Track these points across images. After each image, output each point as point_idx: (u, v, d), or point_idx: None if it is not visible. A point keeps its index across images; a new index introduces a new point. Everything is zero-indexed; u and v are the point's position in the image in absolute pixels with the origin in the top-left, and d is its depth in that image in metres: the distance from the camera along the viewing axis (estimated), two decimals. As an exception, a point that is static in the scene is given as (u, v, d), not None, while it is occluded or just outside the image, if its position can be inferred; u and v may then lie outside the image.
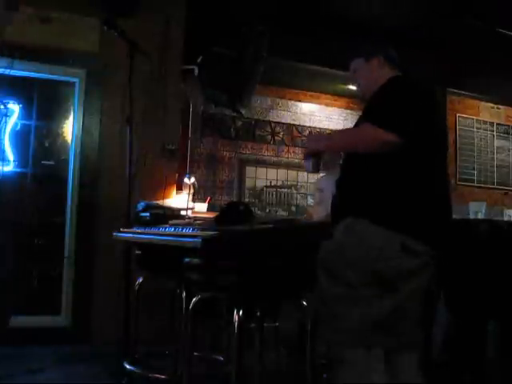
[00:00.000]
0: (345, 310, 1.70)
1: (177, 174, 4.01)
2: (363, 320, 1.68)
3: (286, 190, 5.99)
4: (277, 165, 5.93)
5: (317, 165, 2.01)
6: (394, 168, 1.77)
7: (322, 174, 4.57)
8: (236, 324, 1.70)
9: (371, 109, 1.89)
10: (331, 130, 6.23)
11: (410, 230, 1.71)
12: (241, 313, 1.70)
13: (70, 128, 3.78)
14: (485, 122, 6.66)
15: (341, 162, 2.15)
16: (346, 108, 6.26)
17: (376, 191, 1.78)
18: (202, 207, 3.96)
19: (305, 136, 6.10)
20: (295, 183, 6.03)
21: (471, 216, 3.90)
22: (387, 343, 1.68)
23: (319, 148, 2.01)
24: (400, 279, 1.70)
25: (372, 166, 1.80)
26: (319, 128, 6.22)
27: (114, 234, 2.56)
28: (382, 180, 1.78)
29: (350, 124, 5.83)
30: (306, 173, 5.96)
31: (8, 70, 3.37)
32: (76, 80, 3.78)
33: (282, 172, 5.95)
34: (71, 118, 3.78)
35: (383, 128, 1.71)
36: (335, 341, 1.74)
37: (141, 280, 2.67)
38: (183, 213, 3.23)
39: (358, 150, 1.85)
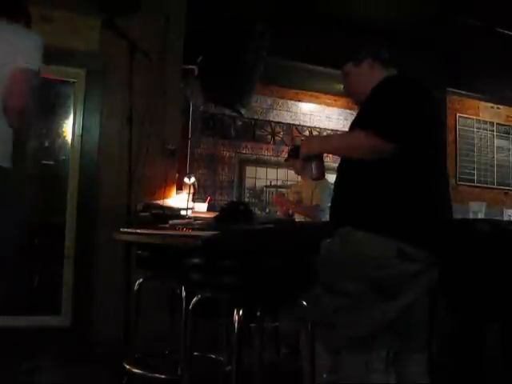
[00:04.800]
0: (347, 319, 1.71)
1: (177, 174, 4.01)
2: (366, 327, 1.68)
3: (286, 190, 5.99)
4: (277, 165, 5.94)
5: (320, 169, 1.95)
6: (389, 174, 1.75)
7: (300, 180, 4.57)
8: (236, 324, 1.70)
9: (363, 113, 1.88)
10: (331, 130, 6.24)
11: (406, 237, 1.70)
12: (241, 313, 1.70)
13: (70, 128, 3.78)
14: (485, 122, 6.66)
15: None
16: (346, 108, 6.27)
17: (370, 199, 1.76)
18: (201, 207, 3.95)
19: (305, 136, 6.10)
20: (295, 183, 6.03)
21: (471, 216, 3.89)
22: (392, 346, 1.68)
23: (313, 151, 1.94)
24: (399, 286, 1.70)
25: (366, 173, 1.78)
26: (319, 128, 6.22)
27: (114, 234, 2.55)
28: (376, 187, 1.76)
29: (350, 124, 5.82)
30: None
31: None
32: (76, 80, 3.78)
33: (281, 172, 5.95)
34: (71, 117, 3.78)
35: (373, 133, 1.68)
36: (339, 347, 1.75)
37: (141, 280, 2.67)
38: (183, 213, 3.23)
39: (351, 156, 1.83)
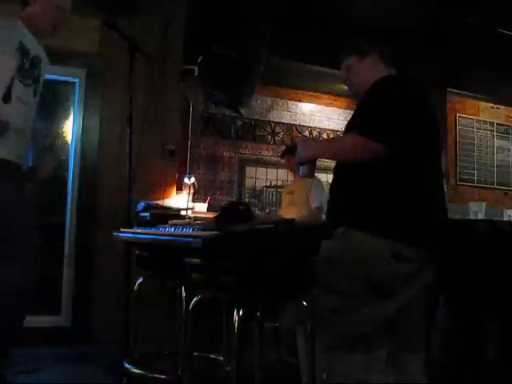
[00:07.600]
0: (343, 319, 1.71)
1: (177, 174, 4.01)
2: (361, 327, 1.68)
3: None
4: (277, 165, 5.93)
5: (312, 169, 2.00)
6: (383, 175, 1.75)
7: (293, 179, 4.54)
8: (236, 324, 1.70)
9: (360, 113, 1.88)
10: (331, 130, 6.24)
11: (401, 237, 1.70)
12: (241, 313, 1.70)
13: (69, 128, 3.78)
14: (485, 122, 6.66)
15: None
16: (346, 108, 6.26)
17: (366, 200, 1.77)
18: (202, 207, 3.96)
19: (304, 136, 6.10)
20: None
21: (471, 216, 3.90)
22: (389, 346, 1.68)
23: (310, 157, 1.96)
24: (395, 285, 1.70)
25: (361, 173, 1.78)
26: (319, 128, 6.22)
27: (114, 234, 2.55)
28: (371, 188, 1.77)
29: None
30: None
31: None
32: (76, 80, 3.78)
33: (282, 172, 5.95)
34: (71, 118, 3.78)
35: (369, 138, 1.69)
36: (336, 347, 1.75)
37: (141, 280, 2.67)
38: (183, 213, 3.23)
39: (346, 160, 1.84)
